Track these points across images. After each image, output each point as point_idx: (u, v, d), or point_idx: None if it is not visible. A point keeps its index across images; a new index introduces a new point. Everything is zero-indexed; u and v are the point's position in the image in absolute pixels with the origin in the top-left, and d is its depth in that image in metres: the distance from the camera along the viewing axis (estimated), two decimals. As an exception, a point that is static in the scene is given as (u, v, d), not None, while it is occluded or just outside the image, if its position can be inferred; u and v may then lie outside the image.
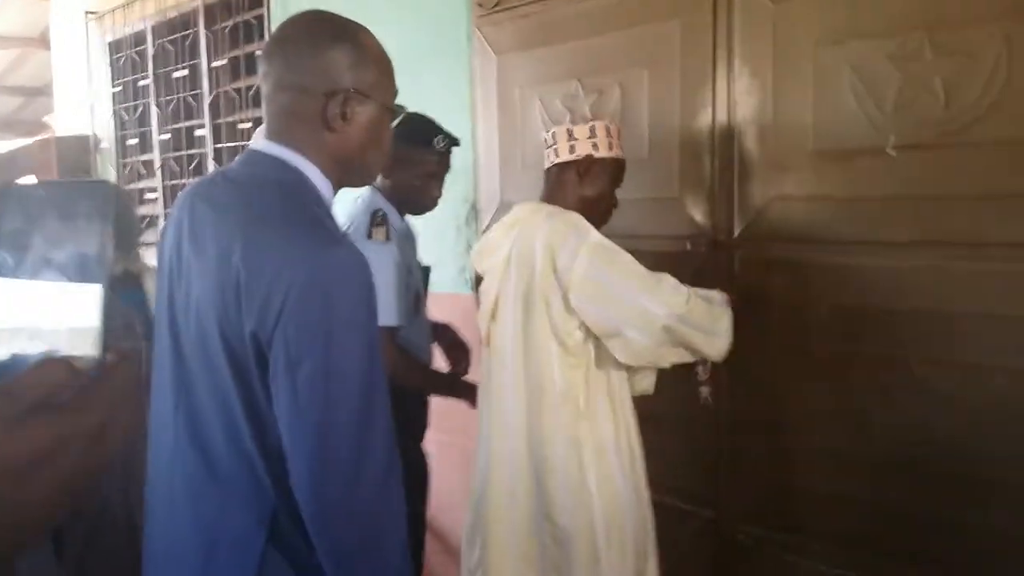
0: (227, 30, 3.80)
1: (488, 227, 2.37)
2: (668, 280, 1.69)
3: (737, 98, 1.96)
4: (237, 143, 3.82)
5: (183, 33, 4.11)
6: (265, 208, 1.11)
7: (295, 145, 1.16)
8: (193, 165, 4.16)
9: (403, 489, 1.10)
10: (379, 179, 2.10)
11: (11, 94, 8.07)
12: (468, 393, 2.10)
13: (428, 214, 2.18)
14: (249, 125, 3.68)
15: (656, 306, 1.65)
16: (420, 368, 2.13)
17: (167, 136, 4.32)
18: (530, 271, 1.74)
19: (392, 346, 1.95)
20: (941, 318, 1.68)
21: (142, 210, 4.51)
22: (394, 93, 1.26)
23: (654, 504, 1.85)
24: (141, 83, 4.48)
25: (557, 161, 1.82)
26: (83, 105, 4.97)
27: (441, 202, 2.18)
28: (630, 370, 1.83)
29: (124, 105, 4.69)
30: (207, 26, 3.92)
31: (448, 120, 2.17)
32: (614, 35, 2.20)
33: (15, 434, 0.42)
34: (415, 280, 2.12)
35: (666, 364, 1.74)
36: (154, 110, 4.38)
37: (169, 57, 4.24)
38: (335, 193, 1.21)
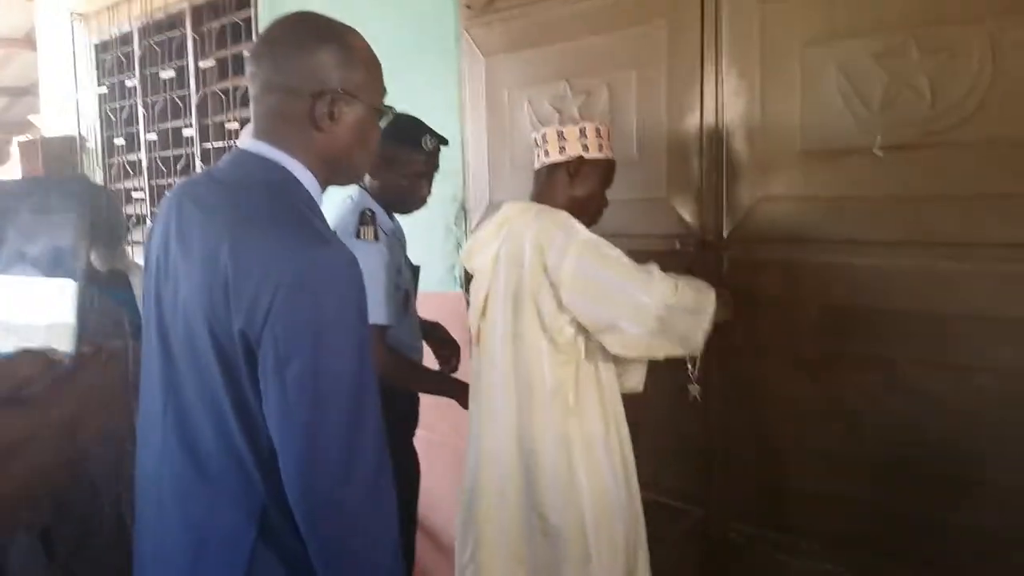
0: (214, 31, 3.79)
1: (477, 226, 2.37)
2: (656, 271, 1.71)
3: (725, 99, 1.96)
4: (224, 143, 3.80)
5: (170, 34, 4.09)
6: (253, 208, 1.11)
7: (283, 145, 1.16)
8: (180, 165, 4.15)
9: (394, 489, 1.10)
10: (368, 179, 2.10)
11: (-3, 94, 8.02)
12: (459, 392, 2.09)
13: (417, 213, 2.19)
14: (236, 125, 3.67)
15: (648, 297, 1.67)
16: (410, 367, 2.13)
17: (154, 136, 4.30)
18: (519, 269, 1.75)
19: (382, 345, 1.95)
20: (929, 318, 1.69)
21: (129, 209, 4.49)
22: (382, 93, 1.26)
23: (645, 503, 1.85)
24: (128, 83, 4.46)
25: (547, 161, 1.82)
26: (69, 105, 4.95)
27: (430, 201, 2.18)
28: (619, 367, 1.83)
29: (111, 106, 4.66)
30: (194, 27, 3.91)
31: (436, 120, 2.17)
32: (602, 36, 2.21)
33: None
34: (405, 279, 2.12)
35: (660, 355, 1.75)
36: (141, 110, 4.36)
37: (156, 58, 4.22)
38: (323, 192, 1.21)
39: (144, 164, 4.38)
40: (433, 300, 2.55)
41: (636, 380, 1.88)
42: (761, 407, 1.98)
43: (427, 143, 2.08)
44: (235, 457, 1.08)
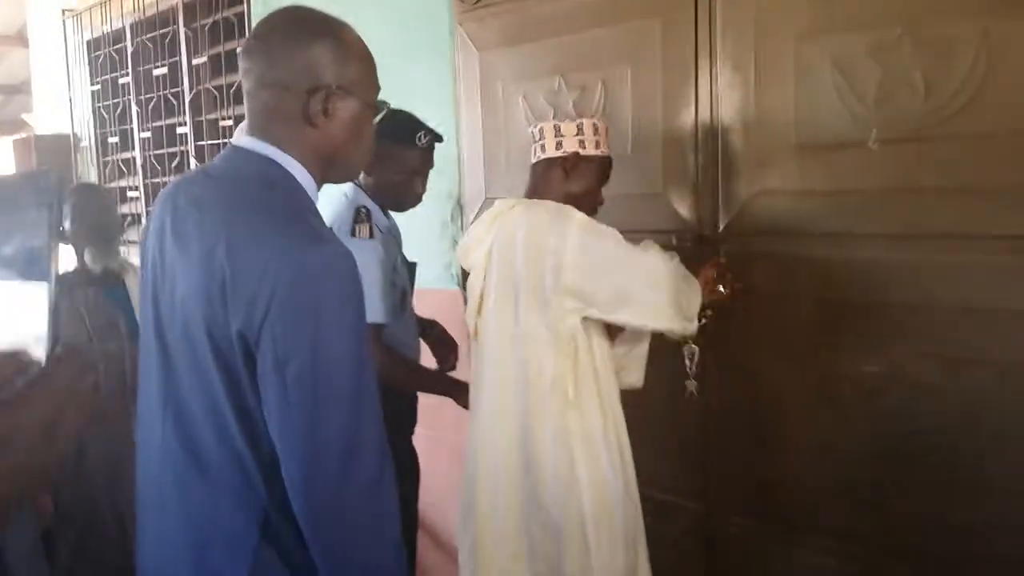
0: (207, 27, 3.77)
1: (472, 223, 2.36)
2: (652, 243, 1.79)
3: (720, 93, 1.96)
4: (219, 140, 3.79)
5: (162, 31, 4.07)
6: (249, 205, 1.10)
7: (277, 141, 1.15)
8: (175, 163, 4.13)
9: (396, 489, 1.10)
10: (362, 176, 2.09)
11: (-11, 92, 7.99)
12: (456, 391, 2.09)
13: (413, 210, 2.18)
14: (231, 122, 3.65)
15: (652, 261, 1.72)
16: (407, 366, 2.12)
17: (148, 134, 4.28)
18: (512, 262, 1.74)
19: (378, 344, 1.94)
20: (925, 310, 1.69)
21: (124, 208, 4.47)
22: (376, 89, 1.25)
23: (644, 499, 1.85)
24: (121, 81, 4.43)
25: (544, 156, 1.82)
26: (62, 103, 4.92)
27: (426, 198, 2.17)
28: (618, 363, 1.83)
29: (104, 103, 4.64)
30: (186, 23, 3.89)
31: (431, 116, 2.16)
32: (597, 31, 2.20)
33: None
34: (401, 277, 2.11)
35: (677, 329, 1.75)
36: (134, 108, 4.34)
37: (148, 54, 4.20)
38: (319, 189, 1.21)
39: (138, 162, 4.36)
40: (430, 297, 2.55)
41: (636, 376, 1.88)
42: (759, 401, 1.99)
43: (422, 139, 2.07)
44: (236, 458, 1.08)
